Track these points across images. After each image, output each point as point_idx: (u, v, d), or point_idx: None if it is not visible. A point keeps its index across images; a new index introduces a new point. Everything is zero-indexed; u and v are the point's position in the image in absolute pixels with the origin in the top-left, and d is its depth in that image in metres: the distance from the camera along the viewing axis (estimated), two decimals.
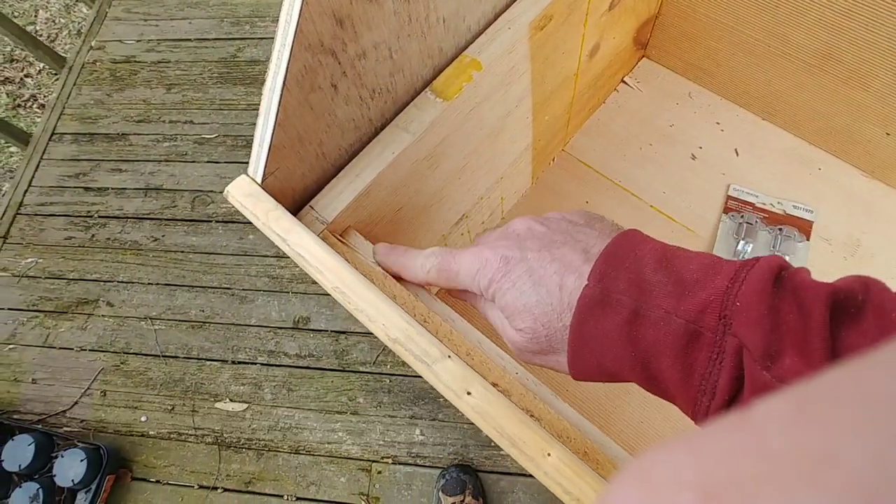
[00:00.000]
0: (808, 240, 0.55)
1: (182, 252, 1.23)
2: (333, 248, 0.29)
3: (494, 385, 0.26)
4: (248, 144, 1.26)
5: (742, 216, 0.56)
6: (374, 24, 0.29)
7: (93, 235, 1.27)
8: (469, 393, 0.23)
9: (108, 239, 1.27)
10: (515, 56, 0.38)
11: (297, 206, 0.33)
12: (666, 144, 0.60)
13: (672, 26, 0.59)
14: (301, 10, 0.24)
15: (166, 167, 1.32)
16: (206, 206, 1.26)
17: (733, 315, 0.20)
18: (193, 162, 1.31)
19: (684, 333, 0.21)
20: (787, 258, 0.54)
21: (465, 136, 0.39)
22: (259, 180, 0.29)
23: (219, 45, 1.46)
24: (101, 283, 1.21)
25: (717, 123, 0.61)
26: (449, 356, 0.24)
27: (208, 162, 1.30)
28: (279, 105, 0.27)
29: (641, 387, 0.24)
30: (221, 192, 1.26)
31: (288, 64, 0.26)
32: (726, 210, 0.57)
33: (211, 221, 1.25)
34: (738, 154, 0.59)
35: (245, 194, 0.29)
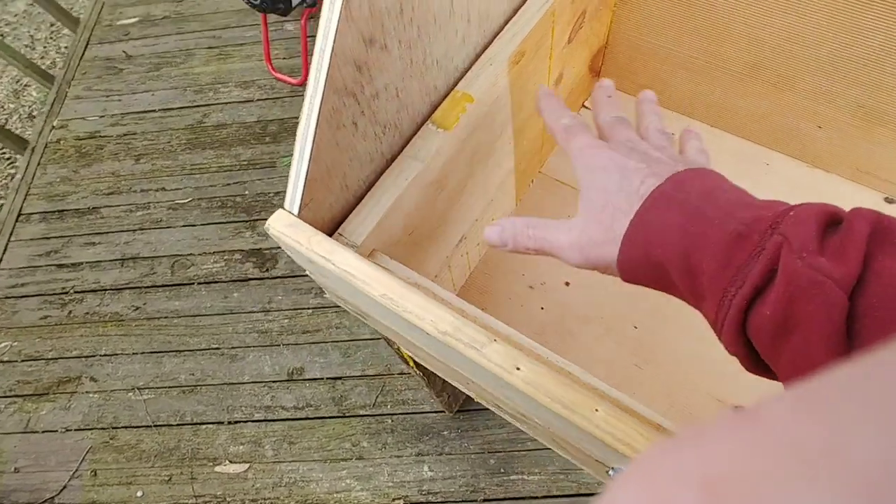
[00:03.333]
0: None
1: (166, 318, 1.22)
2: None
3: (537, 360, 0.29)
4: (223, 205, 1.28)
5: None
6: (385, 68, 0.34)
7: (70, 312, 1.24)
8: (518, 368, 0.26)
9: (87, 313, 1.25)
10: (499, 87, 0.43)
11: (328, 233, 0.36)
12: None
13: (620, 54, 0.67)
14: (331, 60, 0.29)
15: (141, 235, 1.32)
16: (187, 270, 1.26)
17: (784, 223, 0.22)
18: (169, 227, 1.32)
19: (734, 233, 0.23)
20: None
21: (463, 161, 0.43)
22: (296, 212, 0.33)
23: (184, 112, 1.50)
24: (83, 360, 1.18)
25: (673, 134, 0.68)
26: (494, 340, 0.27)
27: (184, 226, 1.31)
28: (313, 142, 0.31)
29: (673, 284, 0.26)
30: (201, 255, 1.26)
31: (320, 106, 0.30)
32: None
33: (193, 284, 1.24)
34: None
35: (286, 225, 0.32)
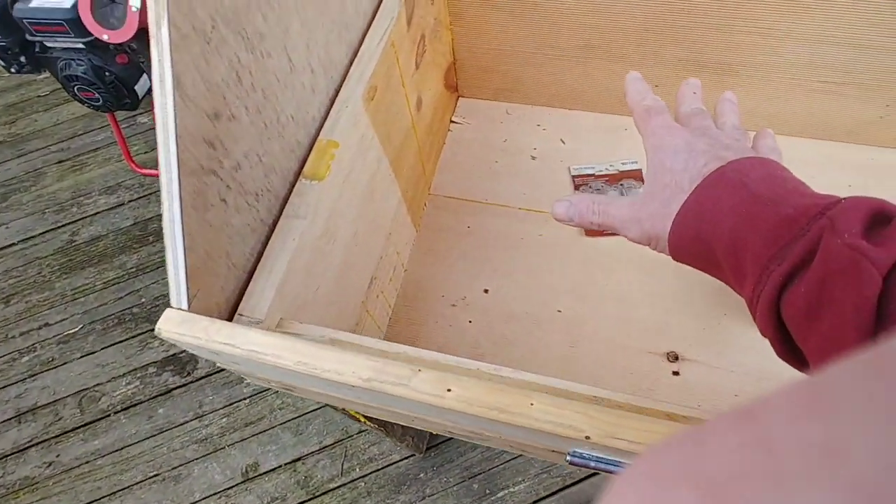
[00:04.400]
0: (643, 183, 0.66)
1: (87, 463, 1.09)
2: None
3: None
4: (121, 321, 1.18)
5: (590, 187, 0.66)
6: (239, 137, 0.33)
7: None
8: (449, 390, 0.26)
9: None
10: (361, 126, 0.44)
11: (227, 318, 0.34)
12: (508, 157, 0.70)
13: (469, 66, 0.71)
14: (178, 144, 0.28)
15: (34, 382, 1.18)
16: (98, 403, 1.14)
17: (834, 210, 0.23)
18: (65, 364, 1.19)
19: (784, 216, 0.24)
20: None
21: (346, 205, 0.43)
22: (185, 307, 0.31)
23: (49, 237, 1.37)
24: None
25: (539, 125, 0.72)
26: (419, 370, 0.27)
27: (82, 357, 1.19)
28: (183, 231, 0.29)
29: (718, 264, 0.27)
30: (109, 382, 1.15)
31: (180, 193, 0.28)
32: (576, 187, 0.67)
33: (109, 416, 1.13)
34: (564, 143, 0.71)
35: (178, 323, 0.30)
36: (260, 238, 0.37)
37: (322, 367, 0.28)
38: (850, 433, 0.07)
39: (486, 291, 0.61)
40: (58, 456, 1.10)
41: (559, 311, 0.60)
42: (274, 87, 0.36)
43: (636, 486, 0.09)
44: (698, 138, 0.32)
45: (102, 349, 1.20)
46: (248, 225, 0.35)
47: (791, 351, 0.25)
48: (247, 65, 0.32)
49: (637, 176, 0.66)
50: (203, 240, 0.31)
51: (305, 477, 1.05)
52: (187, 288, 0.30)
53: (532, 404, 0.26)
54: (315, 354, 0.28)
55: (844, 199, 0.24)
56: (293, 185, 0.39)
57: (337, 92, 0.44)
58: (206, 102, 0.29)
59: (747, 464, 0.08)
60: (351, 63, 0.45)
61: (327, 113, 0.43)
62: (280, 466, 1.06)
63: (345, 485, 1.03)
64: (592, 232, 0.63)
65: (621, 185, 0.66)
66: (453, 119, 0.73)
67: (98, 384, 1.16)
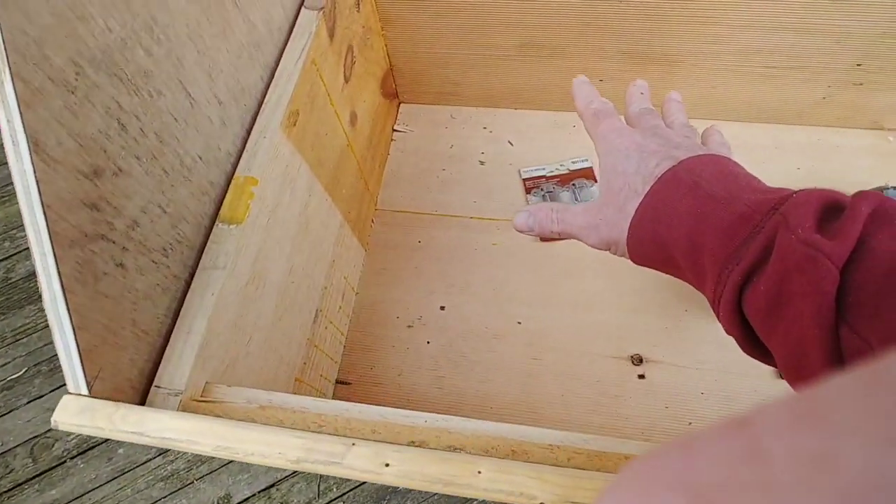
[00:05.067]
0: (596, 182, 0.64)
1: None
2: (198, 412, 0.27)
3: (410, 444, 0.26)
4: None
5: (541, 189, 0.64)
6: (133, 191, 0.29)
7: None
8: (387, 465, 0.24)
9: None
10: (283, 157, 0.40)
11: (141, 393, 0.31)
12: (455, 163, 0.67)
13: (407, 71, 0.67)
14: (45, 215, 0.24)
15: None
16: (52, 449, 1.08)
17: (786, 205, 0.23)
18: (11, 412, 1.12)
19: (738, 213, 0.24)
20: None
21: (276, 245, 0.40)
22: (85, 392, 0.27)
23: None
24: None
25: (485, 128, 0.69)
26: (353, 444, 0.24)
27: (29, 402, 1.12)
28: (69, 312, 0.25)
29: (677, 265, 0.27)
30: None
31: (58, 269, 0.25)
32: (528, 190, 0.65)
33: (65, 461, 1.07)
34: (512, 144, 0.68)
35: (76, 413, 0.26)
36: (175, 296, 0.33)
37: (244, 451, 0.25)
38: (841, 445, 0.07)
39: (442, 308, 0.59)
40: None
41: (519, 322, 0.58)
42: (172, 129, 0.32)
43: (623, 494, 0.09)
44: (649, 139, 0.31)
45: (51, 392, 1.13)
46: (157, 285, 0.32)
47: (756, 346, 0.25)
48: (131, 109, 0.28)
49: (588, 175, 0.64)
50: (98, 314, 0.27)
51: (281, 503, 1.01)
52: (84, 371, 0.27)
53: (479, 472, 0.23)
54: (236, 437, 0.25)
55: (796, 192, 0.24)
56: (210, 231, 0.36)
57: (254, 120, 0.40)
58: (80, 160, 0.26)
59: (738, 473, 0.08)
60: (267, 86, 0.41)
61: (244, 144, 0.39)
62: (254, 495, 1.03)
63: None
64: (547, 237, 0.61)
65: (573, 185, 0.64)
66: (395, 127, 0.70)
67: (49, 430, 1.09)
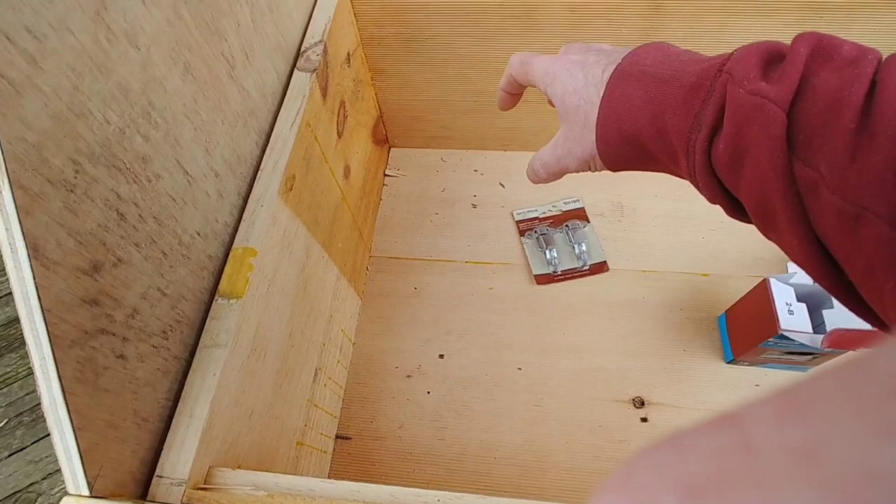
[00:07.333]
0: (588, 222, 0.65)
1: None
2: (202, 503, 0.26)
3: None
4: None
5: (535, 231, 0.65)
6: (132, 279, 0.28)
7: None
8: None
9: None
10: (281, 223, 0.40)
11: (143, 484, 0.30)
12: (448, 207, 0.67)
13: (397, 116, 0.67)
14: (45, 319, 0.23)
15: None
16: None
17: (729, 63, 0.24)
18: None
19: (688, 85, 0.25)
20: (581, 245, 0.63)
21: (275, 313, 0.39)
22: (87, 493, 0.26)
23: None
24: None
25: (476, 170, 0.70)
26: None
27: (11, 455, 1.08)
28: (69, 411, 0.25)
29: (651, 155, 0.27)
30: (46, 479, 1.05)
31: (58, 373, 0.24)
32: (521, 233, 0.65)
33: None
34: (504, 186, 0.68)
35: None
36: (176, 377, 0.32)
37: None
38: (828, 437, 0.07)
39: (441, 357, 0.58)
40: None
41: (519, 368, 0.57)
42: (170, 209, 0.31)
43: (614, 492, 0.09)
44: (585, 54, 0.32)
45: (34, 443, 1.09)
46: (157, 370, 0.31)
47: (739, 209, 0.26)
48: (129, 197, 0.28)
49: (581, 216, 0.65)
50: (99, 410, 0.27)
51: None
52: (85, 472, 0.26)
53: None
54: None
55: (736, 50, 0.25)
56: (209, 307, 0.35)
57: (250, 188, 0.40)
58: (80, 258, 0.25)
59: (728, 467, 0.08)
60: (263, 151, 0.41)
61: (241, 214, 0.38)
62: None
63: None
64: (543, 280, 0.61)
65: (566, 226, 0.64)
66: (387, 172, 0.70)
67: (32, 483, 1.05)
